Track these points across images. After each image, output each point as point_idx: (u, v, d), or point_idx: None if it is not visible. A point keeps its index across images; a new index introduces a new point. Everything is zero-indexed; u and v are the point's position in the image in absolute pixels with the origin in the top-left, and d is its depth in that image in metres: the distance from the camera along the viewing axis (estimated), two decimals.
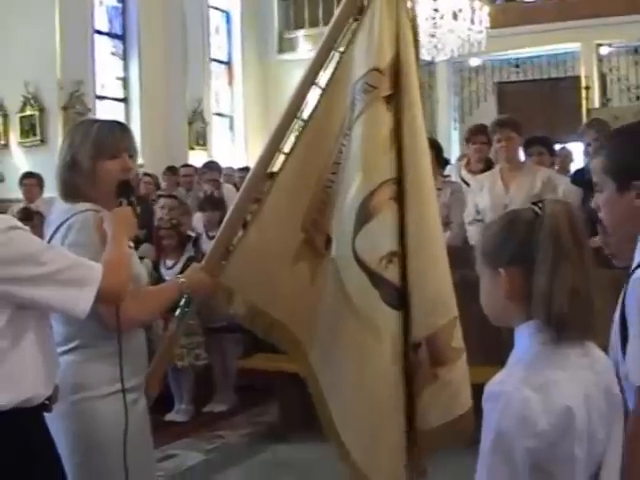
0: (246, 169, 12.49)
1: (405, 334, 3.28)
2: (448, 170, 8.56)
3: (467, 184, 7.64)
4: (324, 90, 3.40)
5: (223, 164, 12.89)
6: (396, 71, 3.31)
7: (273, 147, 3.43)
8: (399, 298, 3.25)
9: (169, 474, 6.14)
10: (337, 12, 3.43)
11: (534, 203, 2.21)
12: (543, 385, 2.07)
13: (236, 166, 13.62)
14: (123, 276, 2.96)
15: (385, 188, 3.25)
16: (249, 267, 3.38)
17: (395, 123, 3.30)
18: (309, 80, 3.41)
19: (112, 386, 3.13)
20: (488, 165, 7.61)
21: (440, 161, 7.47)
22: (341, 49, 3.40)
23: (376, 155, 3.29)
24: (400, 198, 3.26)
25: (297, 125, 3.40)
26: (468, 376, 3.34)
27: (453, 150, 16.93)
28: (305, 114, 3.42)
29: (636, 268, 2.49)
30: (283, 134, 3.41)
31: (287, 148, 3.42)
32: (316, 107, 3.40)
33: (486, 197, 6.79)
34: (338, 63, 3.39)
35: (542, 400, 2.04)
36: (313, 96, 3.42)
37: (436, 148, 7.41)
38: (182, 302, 3.38)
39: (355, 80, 3.32)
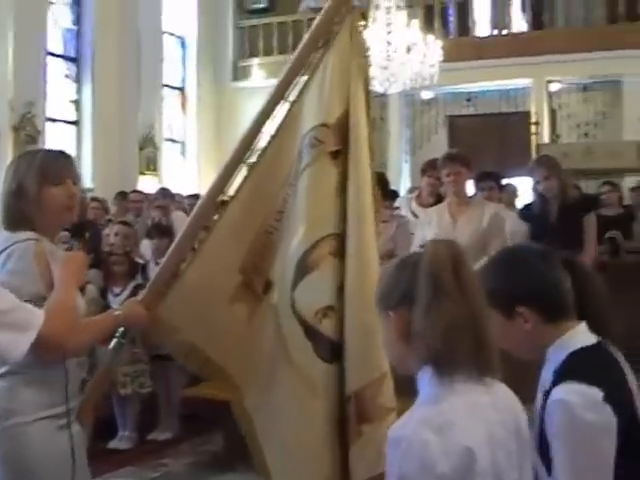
0: (196, 196, 12.49)
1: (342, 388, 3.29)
2: (398, 202, 8.62)
3: (416, 216, 7.71)
4: (273, 137, 3.41)
5: (174, 190, 12.87)
6: (344, 127, 3.33)
7: (225, 177, 3.44)
8: (332, 352, 3.27)
9: None
10: (290, 63, 3.46)
11: (422, 246, 2.26)
12: (442, 426, 2.07)
13: (187, 193, 13.59)
14: (67, 323, 2.95)
15: (326, 242, 3.28)
16: (187, 302, 3.36)
17: (341, 179, 3.32)
18: (257, 126, 3.42)
19: (42, 412, 3.11)
20: (439, 199, 7.67)
21: (386, 194, 7.54)
22: (291, 99, 3.41)
23: (319, 209, 3.32)
24: (341, 253, 3.28)
25: (244, 168, 3.42)
26: None
27: (403, 183, 17.04)
28: (253, 157, 3.43)
29: (549, 389, 2.50)
30: (233, 170, 3.42)
31: (232, 191, 3.43)
32: (264, 152, 3.41)
33: (434, 230, 6.83)
34: (288, 112, 3.41)
35: (441, 442, 2.04)
36: (262, 140, 3.43)
37: (382, 181, 7.48)
38: (118, 333, 3.36)
39: (304, 132, 3.35)
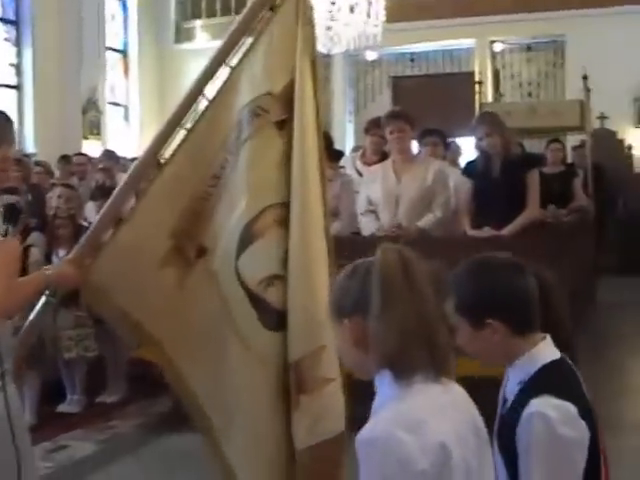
0: None
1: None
2: (343, 162, 8.62)
3: (361, 175, 7.73)
4: (210, 102, 3.36)
5: (117, 154, 12.77)
6: (290, 96, 3.30)
7: (162, 139, 3.39)
8: (278, 320, 3.27)
9: (61, 464, 6.05)
10: (233, 26, 3.40)
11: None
12: (413, 425, 2.10)
13: (130, 156, 13.49)
14: None
15: (270, 212, 3.27)
16: (117, 264, 3.33)
17: (287, 148, 3.30)
18: (197, 90, 3.37)
19: None
20: (384, 158, 7.68)
21: (331, 153, 7.54)
22: (232, 64, 3.37)
23: (263, 179, 3.30)
24: (287, 223, 3.27)
25: (180, 132, 3.37)
26: (340, 403, 3.34)
27: (348, 142, 17.05)
28: (189, 122, 3.38)
29: (520, 401, 2.54)
30: (171, 132, 3.37)
31: (168, 153, 3.38)
32: (202, 116, 3.37)
33: (378, 188, 6.87)
34: (229, 76, 3.36)
35: (416, 440, 2.08)
36: (201, 103, 3.39)
37: (327, 140, 7.47)
38: (48, 292, 3.34)
39: (246, 101, 3.31)
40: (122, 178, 9.96)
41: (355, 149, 10.43)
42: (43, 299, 3.35)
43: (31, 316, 3.39)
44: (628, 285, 13.90)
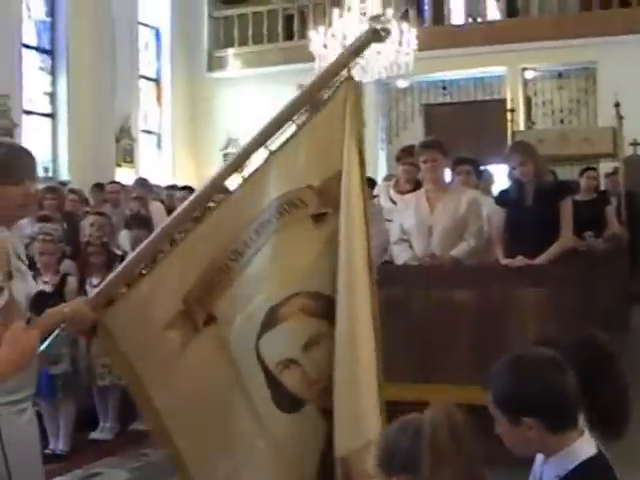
0: (173, 187, 12.48)
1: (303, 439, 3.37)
2: (377, 191, 8.64)
3: (395, 204, 7.74)
4: (245, 179, 3.42)
5: (150, 182, 12.84)
6: (331, 191, 3.35)
7: (200, 199, 3.46)
8: (291, 404, 3.34)
9: None
10: (280, 111, 3.44)
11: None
12: None
13: (163, 184, 13.58)
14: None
15: (297, 300, 3.33)
16: (131, 314, 3.39)
17: (324, 241, 3.37)
18: (236, 163, 3.44)
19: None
20: (417, 186, 7.69)
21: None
22: (272, 148, 3.41)
23: (293, 268, 3.36)
24: (313, 312, 3.34)
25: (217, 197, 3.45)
26: None
27: (380, 170, 17.06)
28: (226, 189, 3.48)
29: None
30: (208, 196, 3.45)
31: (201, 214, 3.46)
32: (235, 191, 3.44)
33: (412, 217, 6.88)
34: (266, 160, 3.41)
35: None
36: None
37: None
38: (62, 326, 3.36)
39: (284, 190, 3.37)
40: (155, 206, 10.12)
41: (388, 177, 10.44)
42: (55, 332, 3.38)
43: (41, 347, 3.45)
44: None
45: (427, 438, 2.27)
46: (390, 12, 14.10)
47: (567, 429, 2.60)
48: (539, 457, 2.77)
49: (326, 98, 3.42)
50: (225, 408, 3.36)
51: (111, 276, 3.52)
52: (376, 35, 3.45)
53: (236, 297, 3.36)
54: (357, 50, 3.44)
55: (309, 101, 3.45)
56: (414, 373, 6.12)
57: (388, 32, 3.39)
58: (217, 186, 3.45)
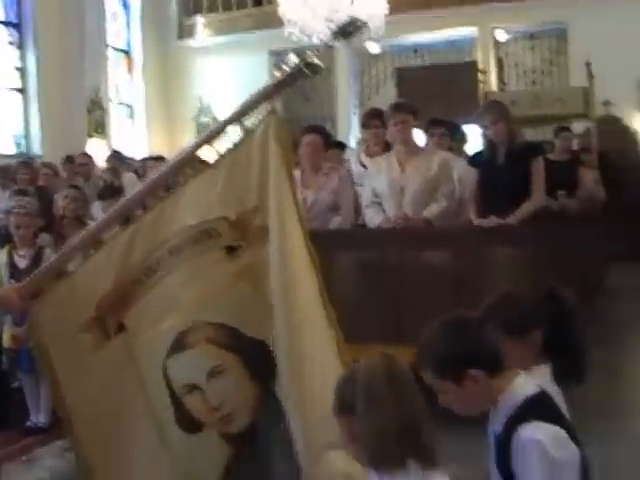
0: (147, 158, 12.45)
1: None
2: (347, 155, 8.63)
3: (366, 168, 7.73)
4: (162, 199, 3.49)
5: (124, 153, 12.81)
6: (246, 224, 3.38)
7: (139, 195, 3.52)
8: (192, 425, 3.40)
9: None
10: (199, 138, 3.52)
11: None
12: None
13: (137, 154, 13.53)
14: None
15: (203, 329, 3.38)
16: (54, 311, 3.44)
17: (235, 274, 3.40)
18: (162, 178, 3.52)
19: None
20: (387, 149, 7.68)
21: (330, 145, 7.59)
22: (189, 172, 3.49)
23: (201, 298, 3.40)
24: (217, 342, 3.38)
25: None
26: None
27: (353, 135, 17.03)
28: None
29: (510, 428, 2.73)
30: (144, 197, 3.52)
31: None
32: (153, 208, 3.49)
33: (383, 179, 6.87)
34: (183, 187, 3.47)
35: None
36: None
37: (325, 135, 7.50)
38: None
39: (200, 219, 3.40)
40: (128, 177, 10.13)
41: (360, 142, 10.42)
42: None
43: None
44: (636, 271, 13.88)
45: (362, 382, 2.45)
46: None
47: (503, 370, 2.80)
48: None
49: (248, 130, 3.42)
50: (129, 417, 3.43)
51: (44, 266, 3.55)
52: (305, 72, 3.41)
53: (146, 312, 3.42)
54: (281, 84, 3.41)
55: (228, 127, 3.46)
56: (389, 334, 6.11)
57: (319, 69, 3.36)
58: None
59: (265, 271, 3.34)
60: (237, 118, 3.39)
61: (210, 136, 3.46)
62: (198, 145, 3.44)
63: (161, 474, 3.43)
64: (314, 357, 3.30)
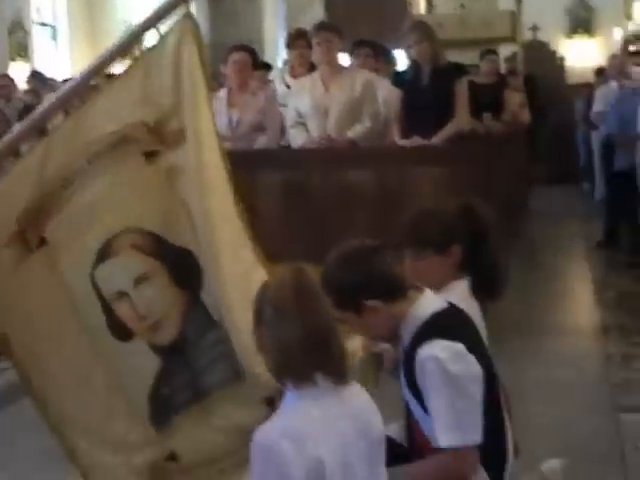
0: (70, 80, 12.20)
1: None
2: (272, 75, 8.56)
3: (289, 88, 7.68)
4: (77, 110, 3.38)
5: (47, 75, 12.55)
6: (165, 129, 3.32)
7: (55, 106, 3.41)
8: (123, 332, 3.36)
9: None
10: (112, 46, 3.36)
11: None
12: (296, 437, 2.34)
13: (61, 77, 13.26)
14: None
15: (128, 235, 3.33)
16: None
17: (155, 179, 3.34)
18: (63, 99, 3.39)
19: None
20: (313, 70, 7.62)
21: (256, 66, 7.52)
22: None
23: (124, 204, 3.35)
24: (142, 249, 3.34)
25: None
26: None
27: (281, 57, 16.89)
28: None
29: (413, 347, 2.82)
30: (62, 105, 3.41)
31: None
32: (68, 120, 3.40)
33: (307, 99, 6.82)
34: (99, 92, 3.38)
35: (297, 451, 2.32)
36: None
37: (250, 52, 7.43)
38: None
39: (118, 125, 3.31)
40: (48, 98, 9.93)
41: (285, 62, 10.34)
42: None
43: None
44: (559, 194, 14.11)
45: (271, 294, 2.46)
46: None
47: (404, 294, 2.89)
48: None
49: (162, 35, 3.33)
50: (62, 332, 3.39)
51: None
52: None
53: (67, 224, 3.35)
54: None
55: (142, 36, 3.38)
56: (314, 254, 6.11)
57: None
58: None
59: (183, 175, 3.32)
60: (152, 23, 3.33)
61: (126, 42, 3.39)
62: (115, 52, 3.37)
63: (96, 390, 3.39)
64: (232, 260, 3.31)
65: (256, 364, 3.04)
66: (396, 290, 2.87)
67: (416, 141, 6.63)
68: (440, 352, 2.74)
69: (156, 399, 3.39)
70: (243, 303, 3.04)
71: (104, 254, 3.33)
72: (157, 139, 3.33)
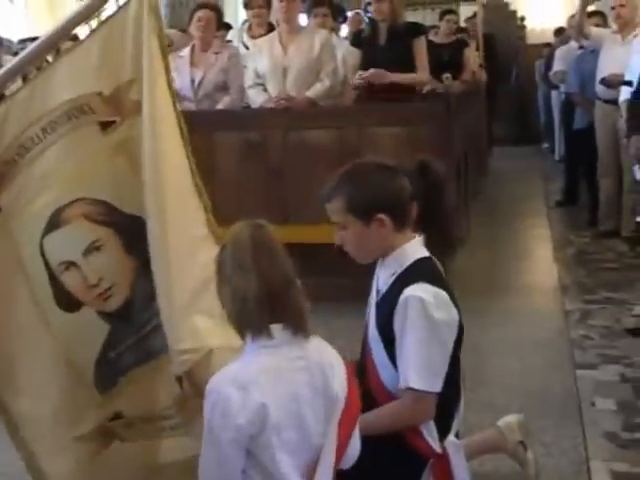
0: (26, 39, 12.06)
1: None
2: (230, 36, 8.49)
3: (248, 49, 7.63)
4: (34, 77, 3.30)
5: (2, 35, 12.38)
6: (121, 99, 3.27)
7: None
8: (70, 303, 3.34)
9: None
10: (71, 15, 3.28)
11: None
12: (245, 385, 2.39)
13: (17, 36, 13.09)
14: None
15: (80, 205, 3.30)
16: None
17: (110, 149, 3.31)
18: (15, 69, 3.30)
19: None
20: (271, 31, 7.57)
21: (220, 24, 7.46)
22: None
23: (78, 173, 3.30)
24: (94, 219, 3.32)
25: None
26: None
27: (241, 17, 16.77)
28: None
29: (398, 287, 2.88)
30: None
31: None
32: (24, 87, 3.30)
33: (265, 60, 6.79)
34: (55, 59, 3.32)
35: (242, 398, 2.38)
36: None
37: (216, 10, 7.36)
38: None
39: (72, 95, 3.26)
40: (7, 60, 9.79)
41: (244, 23, 10.26)
42: None
43: None
44: (519, 154, 14.19)
45: (228, 248, 2.50)
46: None
47: (407, 227, 2.97)
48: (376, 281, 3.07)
49: (123, 4, 3.30)
50: (12, 297, 3.35)
51: None
52: None
53: (21, 192, 3.31)
54: None
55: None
56: (274, 214, 6.11)
57: None
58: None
59: (139, 145, 3.29)
60: None
61: (86, 10, 3.34)
62: (74, 20, 3.33)
63: (44, 362, 3.36)
64: (181, 228, 3.29)
65: (173, 341, 3.08)
66: (404, 215, 2.95)
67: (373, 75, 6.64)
68: (426, 295, 2.82)
69: (103, 363, 3.38)
70: (181, 279, 3.09)
71: (54, 223, 3.31)
72: (114, 109, 3.29)
